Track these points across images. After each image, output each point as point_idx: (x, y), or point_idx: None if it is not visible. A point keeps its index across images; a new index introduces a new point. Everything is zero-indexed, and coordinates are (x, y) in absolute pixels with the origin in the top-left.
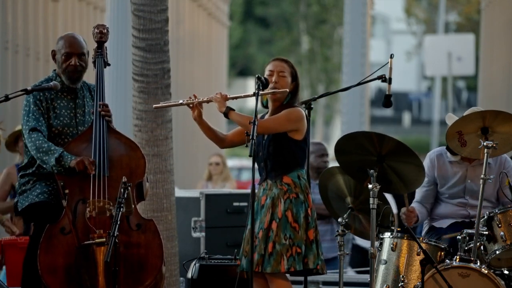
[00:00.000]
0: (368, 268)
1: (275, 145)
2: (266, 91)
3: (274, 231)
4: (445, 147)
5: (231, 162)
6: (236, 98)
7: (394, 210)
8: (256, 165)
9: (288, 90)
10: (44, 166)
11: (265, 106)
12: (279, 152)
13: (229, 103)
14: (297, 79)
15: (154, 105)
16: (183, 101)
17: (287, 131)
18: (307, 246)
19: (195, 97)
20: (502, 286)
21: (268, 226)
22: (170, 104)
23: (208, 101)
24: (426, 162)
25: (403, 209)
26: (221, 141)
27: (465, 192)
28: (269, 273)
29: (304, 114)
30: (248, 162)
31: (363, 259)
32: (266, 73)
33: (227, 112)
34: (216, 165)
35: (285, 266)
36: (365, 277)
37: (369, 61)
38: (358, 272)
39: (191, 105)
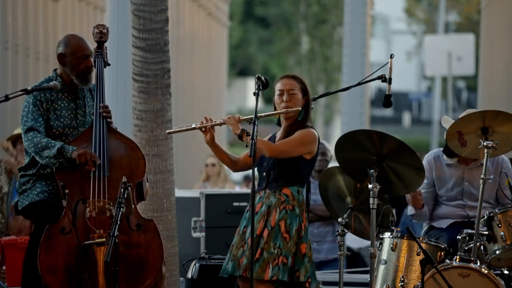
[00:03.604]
0: (357, 269)
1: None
2: (279, 111)
3: (264, 239)
4: (441, 149)
5: None
6: (249, 119)
7: None
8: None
9: (300, 108)
10: (44, 161)
11: (278, 123)
12: (285, 165)
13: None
14: (308, 93)
15: (167, 131)
16: (196, 125)
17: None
18: (299, 259)
19: (207, 120)
20: (502, 286)
21: (261, 233)
22: (183, 128)
23: (221, 124)
24: (424, 164)
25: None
26: (234, 164)
27: (463, 195)
28: (256, 281)
29: (317, 136)
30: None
31: (351, 260)
32: (276, 92)
33: (241, 135)
34: (212, 166)
35: (269, 274)
36: (365, 277)
37: (369, 61)
38: (348, 273)
39: (203, 129)
